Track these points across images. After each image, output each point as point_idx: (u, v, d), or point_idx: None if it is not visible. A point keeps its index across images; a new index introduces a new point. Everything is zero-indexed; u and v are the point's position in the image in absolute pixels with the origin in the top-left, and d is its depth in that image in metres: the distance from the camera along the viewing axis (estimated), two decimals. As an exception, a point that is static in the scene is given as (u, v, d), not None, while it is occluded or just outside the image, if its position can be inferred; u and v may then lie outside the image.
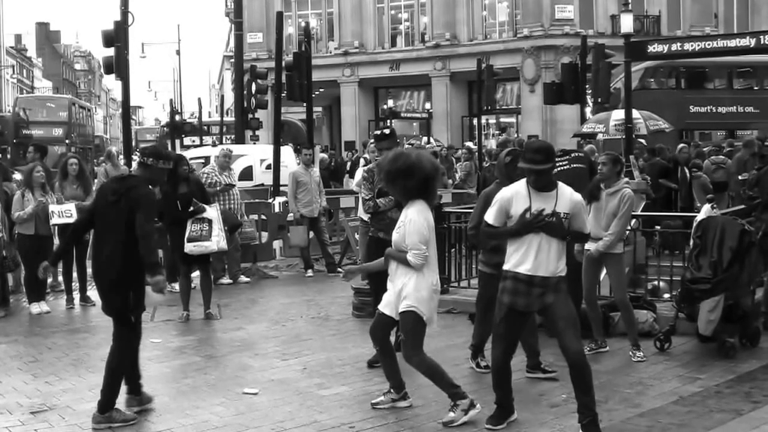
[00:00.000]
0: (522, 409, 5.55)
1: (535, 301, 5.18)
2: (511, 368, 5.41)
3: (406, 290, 5.44)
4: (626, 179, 7.54)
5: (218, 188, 10.91)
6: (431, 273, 5.53)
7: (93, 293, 10.39)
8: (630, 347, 7.10)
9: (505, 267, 5.25)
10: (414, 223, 5.43)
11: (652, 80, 24.62)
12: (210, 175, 11.10)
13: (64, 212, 9.49)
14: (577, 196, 5.30)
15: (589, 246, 7.14)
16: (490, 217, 5.27)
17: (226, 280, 11.26)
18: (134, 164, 7.74)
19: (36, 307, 9.42)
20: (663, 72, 24.76)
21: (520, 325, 5.36)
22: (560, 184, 5.29)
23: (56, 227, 9.73)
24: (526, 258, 5.15)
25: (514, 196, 5.22)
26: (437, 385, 5.59)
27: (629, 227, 7.82)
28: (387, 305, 5.61)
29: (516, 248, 5.20)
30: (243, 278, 11.45)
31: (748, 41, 17.92)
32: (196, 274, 9.51)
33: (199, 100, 44.79)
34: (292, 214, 12.15)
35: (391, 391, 5.81)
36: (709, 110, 23.65)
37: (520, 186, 5.25)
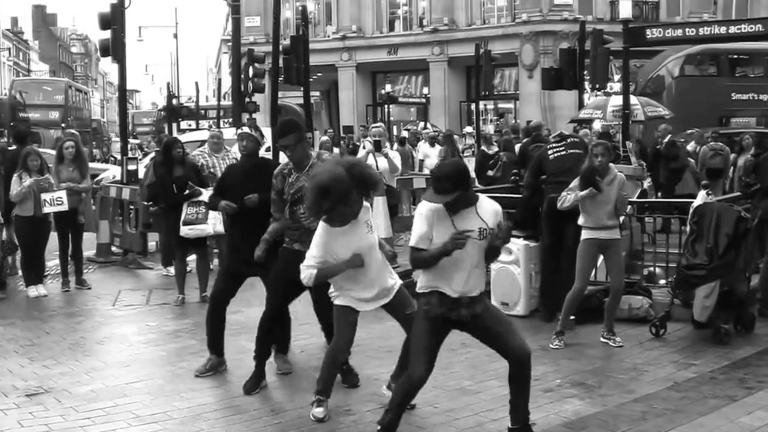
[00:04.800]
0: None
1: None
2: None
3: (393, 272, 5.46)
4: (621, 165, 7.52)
5: (205, 172, 10.58)
6: None
7: (88, 276, 10.43)
8: (605, 332, 7.13)
9: None
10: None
11: (693, 67, 24.47)
12: (197, 158, 10.72)
13: (55, 200, 9.37)
14: (495, 207, 4.75)
15: (590, 234, 7.13)
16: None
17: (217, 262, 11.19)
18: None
19: (33, 290, 9.40)
20: (704, 59, 24.59)
21: None
22: (481, 197, 4.76)
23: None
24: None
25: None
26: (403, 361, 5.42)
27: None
28: (368, 303, 5.35)
29: None
30: None
31: (755, 28, 17.89)
32: (191, 258, 9.52)
33: (197, 83, 44.61)
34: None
35: (323, 399, 5.49)
36: (751, 97, 23.46)
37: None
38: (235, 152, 11.21)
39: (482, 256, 4.70)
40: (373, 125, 12.45)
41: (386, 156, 10.40)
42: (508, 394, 5.50)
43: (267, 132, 16.85)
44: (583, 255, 7.11)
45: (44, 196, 9.34)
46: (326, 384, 5.44)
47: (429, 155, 16.66)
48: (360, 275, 5.20)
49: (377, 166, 10.04)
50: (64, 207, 9.47)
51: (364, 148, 11.36)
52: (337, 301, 5.34)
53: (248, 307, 8.83)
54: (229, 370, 6.46)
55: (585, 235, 7.08)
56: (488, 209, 4.69)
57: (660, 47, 25.60)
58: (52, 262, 10.60)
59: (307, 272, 5.09)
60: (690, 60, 24.09)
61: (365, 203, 5.25)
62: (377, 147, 10.20)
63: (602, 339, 7.11)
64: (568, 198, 7.10)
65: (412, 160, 15.32)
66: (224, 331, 6.46)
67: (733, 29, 20.83)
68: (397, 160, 10.67)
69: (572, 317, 7.58)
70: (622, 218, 7.21)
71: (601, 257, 7.40)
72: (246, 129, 6.56)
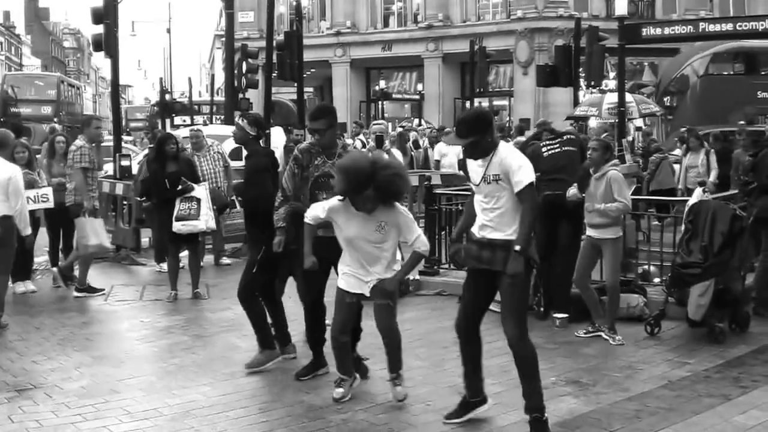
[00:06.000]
0: (510, 390, 5.52)
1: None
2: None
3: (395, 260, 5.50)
4: (616, 162, 7.49)
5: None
6: None
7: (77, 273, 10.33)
8: (606, 329, 7.11)
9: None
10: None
11: (719, 65, 24.26)
12: None
13: (40, 197, 8.97)
14: (511, 160, 4.81)
15: (587, 232, 7.19)
16: None
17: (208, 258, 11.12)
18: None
19: (21, 287, 9.29)
20: (730, 57, 24.37)
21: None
22: (501, 146, 4.90)
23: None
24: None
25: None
26: (392, 356, 5.48)
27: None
28: (359, 286, 5.44)
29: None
30: (225, 260, 11.30)
31: (752, 26, 17.81)
32: (184, 254, 9.46)
33: (190, 79, 44.50)
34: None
35: (345, 378, 5.64)
36: None
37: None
38: (218, 147, 11.21)
39: (497, 198, 4.84)
40: (375, 122, 12.50)
41: (388, 152, 10.50)
42: (501, 392, 5.50)
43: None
44: (580, 252, 7.26)
45: (28, 192, 8.62)
46: (340, 367, 5.61)
47: (446, 154, 16.37)
48: (355, 261, 5.43)
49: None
50: (50, 204, 9.14)
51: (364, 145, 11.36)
52: (337, 284, 5.55)
53: (239, 304, 8.77)
54: (219, 368, 6.40)
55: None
56: (498, 157, 4.82)
57: (675, 45, 25.41)
58: (42, 258, 10.52)
59: (311, 213, 5.54)
60: (717, 58, 23.79)
61: (397, 210, 5.31)
62: (379, 143, 10.31)
63: (604, 336, 7.07)
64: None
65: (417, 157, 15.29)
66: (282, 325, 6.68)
67: (730, 27, 20.72)
68: (399, 157, 10.74)
69: (566, 315, 7.58)
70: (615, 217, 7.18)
71: None
72: (237, 119, 6.64)
